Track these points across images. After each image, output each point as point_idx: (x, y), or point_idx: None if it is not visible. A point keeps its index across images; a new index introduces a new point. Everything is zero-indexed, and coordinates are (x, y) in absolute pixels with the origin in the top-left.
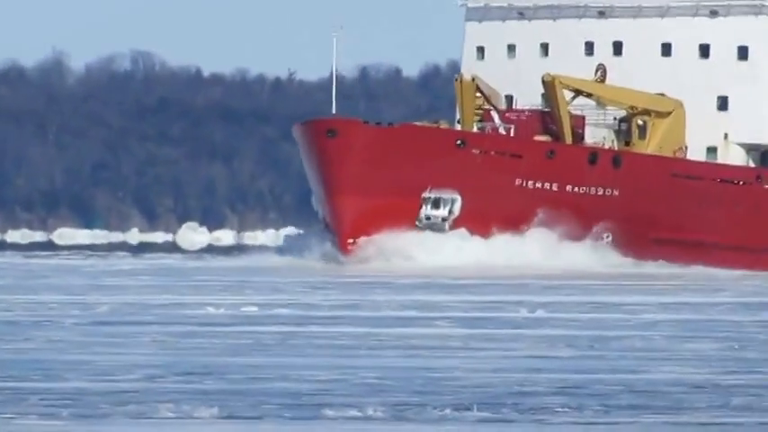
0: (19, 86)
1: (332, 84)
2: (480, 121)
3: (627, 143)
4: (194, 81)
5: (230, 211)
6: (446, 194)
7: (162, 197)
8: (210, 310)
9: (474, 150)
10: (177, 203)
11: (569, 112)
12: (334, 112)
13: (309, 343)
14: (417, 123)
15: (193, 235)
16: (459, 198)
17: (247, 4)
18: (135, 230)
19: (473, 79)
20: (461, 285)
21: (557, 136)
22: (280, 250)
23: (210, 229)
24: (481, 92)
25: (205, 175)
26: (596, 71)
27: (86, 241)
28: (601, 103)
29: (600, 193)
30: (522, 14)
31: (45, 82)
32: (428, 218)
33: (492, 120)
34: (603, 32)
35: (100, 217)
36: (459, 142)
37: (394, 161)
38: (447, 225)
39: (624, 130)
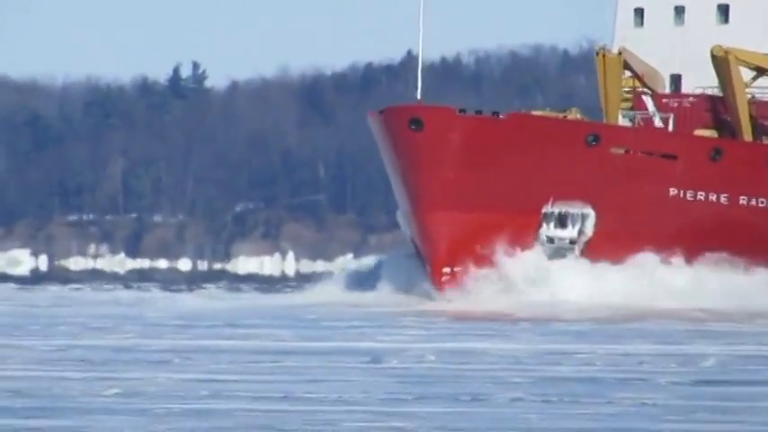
0: None
1: (418, 62)
2: (631, 109)
3: None
4: None
5: None
6: (575, 209)
7: None
8: None
9: (613, 149)
10: None
11: (751, 98)
12: (419, 97)
13: None
14: (535, 112)
15: None
16: (592, 213)
17: None
18: None
19: (620, 53)
20: None
21: (732, 130)
22: None
23: None
24: (631, 69)
25: None
26: None
27: None
28: None
29: None
30: None
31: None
32: (551, 240)
33: (645, 107)
34: None
35: None
36: (590, 138)
37: (501, 164)
38: (577, 249)
39: None
